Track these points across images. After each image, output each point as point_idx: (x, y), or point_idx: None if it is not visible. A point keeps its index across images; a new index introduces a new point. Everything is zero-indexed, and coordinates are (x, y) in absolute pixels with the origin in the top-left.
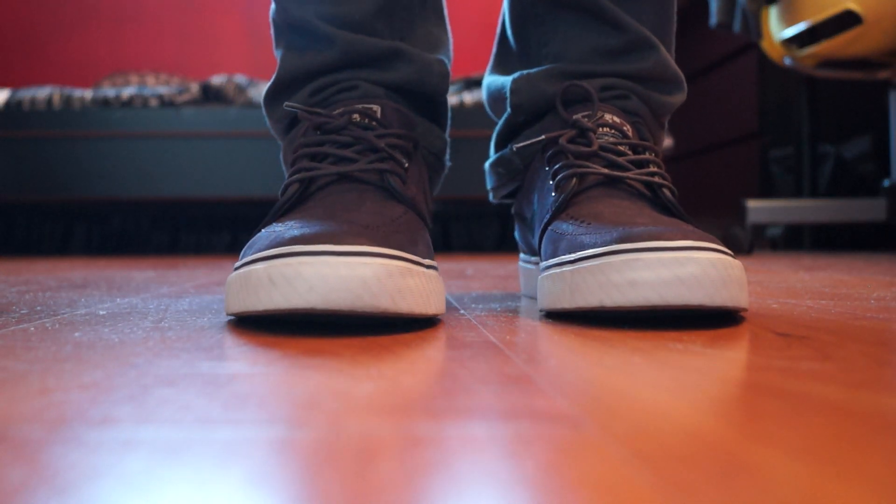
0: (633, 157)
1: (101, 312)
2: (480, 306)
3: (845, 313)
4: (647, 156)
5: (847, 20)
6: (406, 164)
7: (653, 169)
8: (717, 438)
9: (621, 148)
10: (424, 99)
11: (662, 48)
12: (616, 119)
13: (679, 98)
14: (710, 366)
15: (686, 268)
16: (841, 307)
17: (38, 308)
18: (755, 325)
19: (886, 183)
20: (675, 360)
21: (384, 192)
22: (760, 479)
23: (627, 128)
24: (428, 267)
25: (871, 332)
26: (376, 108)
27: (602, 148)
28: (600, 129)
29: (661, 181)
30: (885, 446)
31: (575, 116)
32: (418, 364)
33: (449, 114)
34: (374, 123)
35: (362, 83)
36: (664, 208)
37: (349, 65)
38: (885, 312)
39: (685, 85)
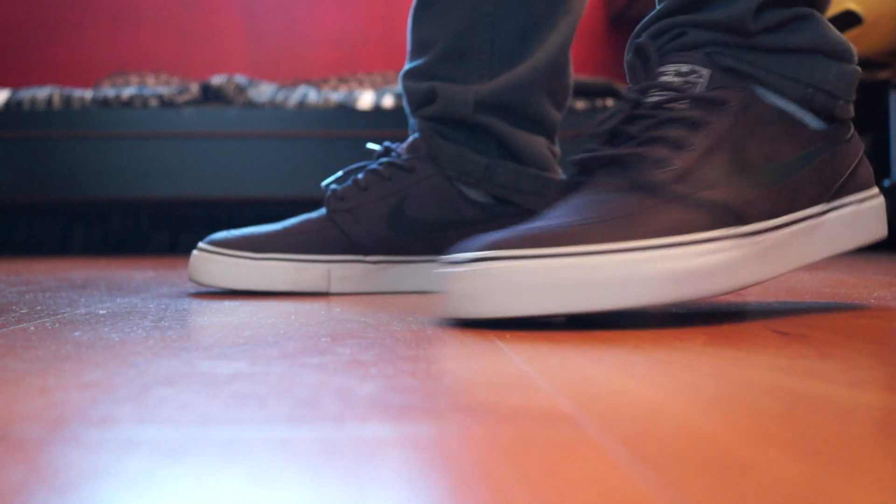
0: (634, 130)
1: (101, 312)
2: None
3: (845, 313)
4: (663, 114)
5: (847, 20)
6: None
7: (654, 133)
8: (717, 438)
9: (629, 127)
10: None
11: None
12: (674, 74)
13: (749, 1)
14: (710, 365)
15: (454, 283)
16: (841, 307)
17: (38, 308)
18: (755, 323)
19: (886, 183)
20: (675, 359)
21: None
22: (760, 478)
23: (696, 75)
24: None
25: (871, 331)
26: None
27: (613, 132)
28: (649, 92)
29: (642, 155)
30: (885, 446)
31: (625, 94)
32: (418, 364)
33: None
34: None
35: None
36: (643, 186)
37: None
38: (885, 312)
39: None
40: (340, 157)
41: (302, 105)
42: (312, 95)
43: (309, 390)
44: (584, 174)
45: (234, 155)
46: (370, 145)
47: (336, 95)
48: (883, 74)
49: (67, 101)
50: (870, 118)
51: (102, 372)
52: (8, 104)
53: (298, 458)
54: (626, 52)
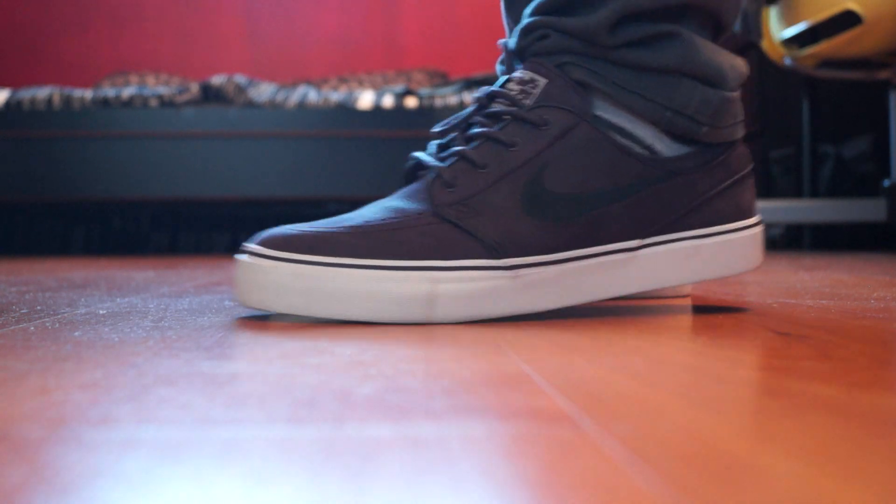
0: (460, 139)
1: (101, 312)
2: None
3: (845, 313)
4: (467, 128)
5: (847, 20)
6: None
7: (455, 148)
8: (717, 438)
9: (462, 134)
10: None
11: None
12: (517, 82)
13: (606, 12)
14: (710, 366)
15: (237, 270)
16: (841, 307)
17: (38, 308)
18: (755, 324)
19: (886, 183)
20: (675, 360)
21: None
22: (760, 479)
23: (531, 85)
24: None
25: (871, 332)
26: None
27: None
28: (496, 100)
29: (439, 172)
30: (885, 446)
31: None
32: (418, 364)
33: None
34: None
35: None
36: (430, 202)
37: None
38: (885, 312)
39: None
40: (340, 157)
41: (302, 105)
42: (312, 95)
43: (309, 391)
44: (418, 169)
45: (234, 155)
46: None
47: (336, 95)
48: (883, 74)
49: (67, 101)
50: (870, 118)
51: (102, 372)
52: (8, 104)
53: (298, 458)
54: (508, 36)
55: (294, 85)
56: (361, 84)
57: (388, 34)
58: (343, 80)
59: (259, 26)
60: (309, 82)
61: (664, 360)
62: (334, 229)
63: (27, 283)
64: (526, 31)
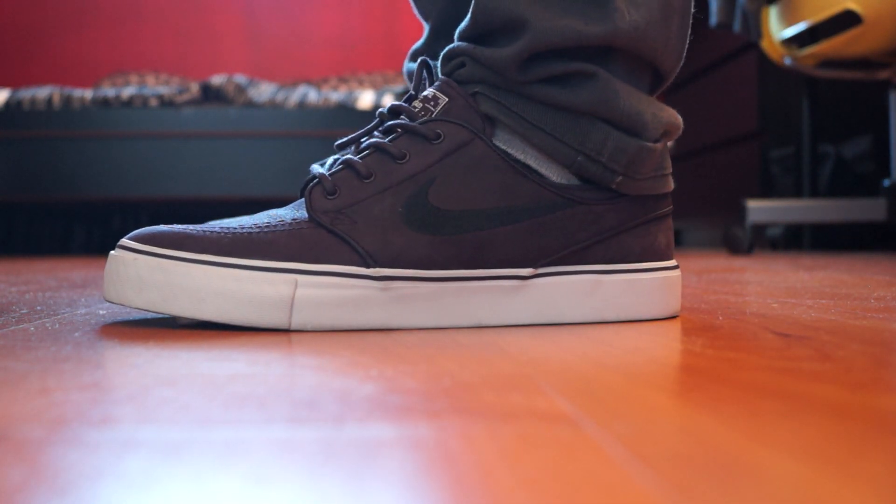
0: (353, 151)
1: (101, 312)
2: None
3: (845, 313)
4: (375, 137)
5: (847, 20)
6: None
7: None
8: (717, 438)
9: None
10: None
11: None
12: (421, 100)
13: (517, 47)
14: (711, 366)
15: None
16: (841, 307)
17: (38, 308)
18: (755, 325)
19: (886, 183)
20: (675, 360)
21: None
22: (760, 479)
23: (433, 103)
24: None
25: (871, 332)
26: None
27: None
28: (400, 115)
29: (320, 180)
30: (885, 446)
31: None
32: (419, 364)
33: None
34: None
35: None
36: (308, 208)
37: None
38: (885, 312)
39: (531, 26)
40: None
41: (302, 105)
42: (312, 95)
43: (308, 391)
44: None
45: (234, 155)
46: None
47: (336, 95)
48: (883, 74)
49: (67, 101)
50: (870, 118)
51: (102, 373)
52: (8, 104)
53: (298, 458)
54: (440, 61)
55: (294, 85)
56: (361, 84)
57: (388, 34)
58: (343, 80)
59: (259, 26)
60: (309, 82)
61: (664, 360)
62: (206, 229)
63: (27, 283)
64: (448, 58)
